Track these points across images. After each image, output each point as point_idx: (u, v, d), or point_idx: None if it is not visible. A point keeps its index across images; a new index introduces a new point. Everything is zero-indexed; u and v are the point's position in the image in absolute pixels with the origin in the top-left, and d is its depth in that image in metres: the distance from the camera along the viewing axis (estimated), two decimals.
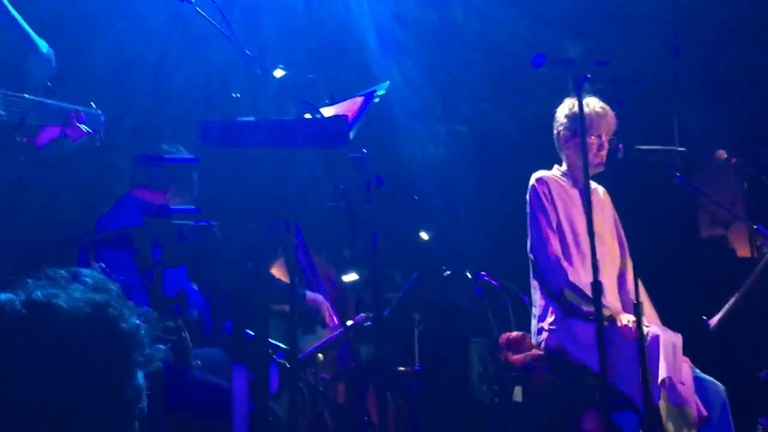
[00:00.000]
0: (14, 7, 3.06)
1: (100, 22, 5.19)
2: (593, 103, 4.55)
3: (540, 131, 5.09)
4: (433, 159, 7.25)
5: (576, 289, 4.41)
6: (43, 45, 3.05)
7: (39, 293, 1.45)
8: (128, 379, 1.47)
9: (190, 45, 5.37)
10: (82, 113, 3.26)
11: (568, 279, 4.43)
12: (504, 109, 7.30)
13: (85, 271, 1.55)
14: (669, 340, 4.20)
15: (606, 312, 4.23)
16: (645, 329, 4.08)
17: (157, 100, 5.49)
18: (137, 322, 1.52)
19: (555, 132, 4.74)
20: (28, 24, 3.04)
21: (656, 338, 4.17)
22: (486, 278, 5.74)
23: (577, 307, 4.41)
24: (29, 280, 1.47)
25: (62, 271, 1.52)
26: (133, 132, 4.88)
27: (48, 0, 3.17)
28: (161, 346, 1.56)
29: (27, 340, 1.41)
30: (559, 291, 4.46)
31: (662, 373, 4.06)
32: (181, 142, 4.52)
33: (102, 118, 3.39)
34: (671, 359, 4.14)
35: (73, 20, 4.78)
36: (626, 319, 4.27)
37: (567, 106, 4.67)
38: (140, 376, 1.50)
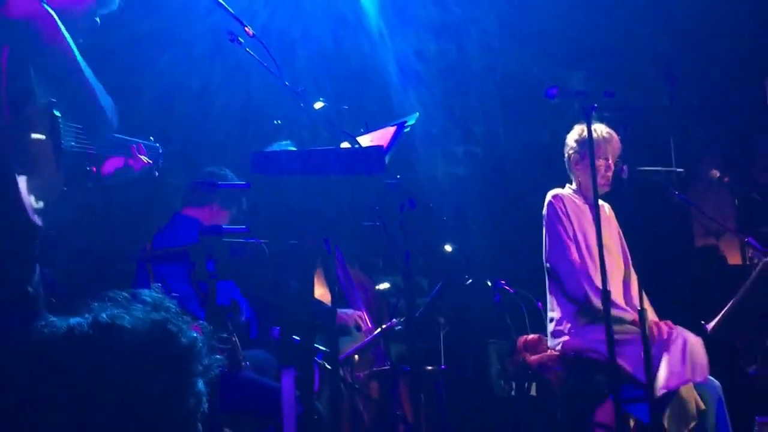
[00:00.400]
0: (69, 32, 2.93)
1: (149, 50, 5.19)
2: (600, 129, 4.45)
3: (547, 152, 5.03)
4: (453, 178, 7.22)
5: (599, 294, 4.25)
6: (107, 103, 2.98)
7: (104, 315, 1.44)
8: (190, 388, 1.46)
9: (231, 71, 5.36)
10: (143, 145, 3.25)
11: (593, 283, 4.31)
12: (514, 132, 7.28)
13: (145, 291, 1.54)
14: (694, 347, 4.09)
15: (628, 317, 4.20)
16: (674, 331, 4.09)
17: (199, 122, 5.49)
18: (195, 335, 1.50)
19: (566, 155, 4.64)
20: (81, 51, 2.94)
21: (685, 341, 4.08)
22: (504, 286, 5.67)
23: (599, 310, 4.25)
24: (95, 304, 1.45)
25: (123, 293, 1.51)
26: (180, 152, 4.87)
27: (101, 28, 3.10)
28: (218, 356, 1.55)
29: (96, 358, 1.40)
30: (583, 295, 4.31)
31: (671, 383, 3.96)
32: (222, 162, 4.51)
33: (160, 151, 3.38)
34: (688, 363, 4.03)
35: (124, 48, 4.77)
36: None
37: (576, 132, 4.58)
38: (200, 384, 1.49)
